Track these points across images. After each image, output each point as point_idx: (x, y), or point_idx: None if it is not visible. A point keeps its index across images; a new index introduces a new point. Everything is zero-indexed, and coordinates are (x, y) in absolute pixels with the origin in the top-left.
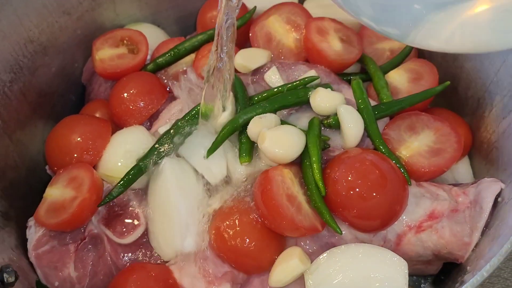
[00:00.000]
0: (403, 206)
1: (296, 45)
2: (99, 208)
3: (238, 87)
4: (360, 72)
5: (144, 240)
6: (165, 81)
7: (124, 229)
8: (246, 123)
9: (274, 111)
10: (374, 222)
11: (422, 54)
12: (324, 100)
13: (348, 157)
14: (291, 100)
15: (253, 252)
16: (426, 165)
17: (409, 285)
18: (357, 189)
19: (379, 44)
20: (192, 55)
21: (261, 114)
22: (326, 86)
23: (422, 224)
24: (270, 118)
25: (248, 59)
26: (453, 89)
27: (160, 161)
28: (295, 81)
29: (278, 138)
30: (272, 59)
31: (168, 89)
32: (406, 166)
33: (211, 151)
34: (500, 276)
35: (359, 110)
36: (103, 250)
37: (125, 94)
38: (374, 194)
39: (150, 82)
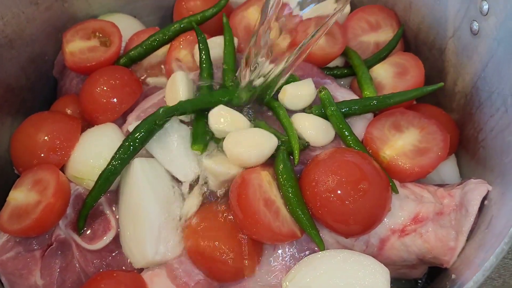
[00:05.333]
0: (386, 209)
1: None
2: (67, 212)
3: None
4: (344, 66)
5: (116, 245)
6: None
7: (94, 234)
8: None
9: None
10: (356, 227)
11: (408, 47)
12: (293, 98)
13: (327, 158)
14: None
15: (231, 260)
16: (410, 166)
17: None
18: (337, 192)
19: (364, 37)
20: (167, 47)
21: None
22: (292, 78)
23: (406, 228)
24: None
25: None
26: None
27: (130, 160)
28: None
29: (241, 140)
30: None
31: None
32: (390, 166)
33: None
34: (488, 276)
35: (330, 120)
36: (71, 256)
37: (97, 90)
38: (355, 197)
39: (123, 77)
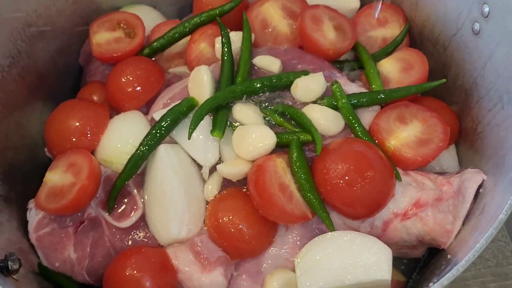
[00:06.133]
0: (390, 195)
1: (291, 31)
2: (98, 192)
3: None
4: (353, 59)
5: (142, 223)
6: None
7: (122, 213)
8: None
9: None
10: (362, 210)
11: (414, 43)
12: (305, 91)
13: (337, 147)
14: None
15: (248, 238)
16: (413, 155)
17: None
18: (346, 178)
19: (373, 32)
20: (187, 38)
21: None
22: (303, 73)
23: (407, 212)
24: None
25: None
26: (443, 78)
27: (156, 146)
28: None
29: (243, 138)
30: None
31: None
32: (394, 156)
33: (191, 130)
34: (482, 257)
35: (341, 111)
36: (101, 233)
37: (123, 80)
38: (362, 183)
39: (147, 67)
